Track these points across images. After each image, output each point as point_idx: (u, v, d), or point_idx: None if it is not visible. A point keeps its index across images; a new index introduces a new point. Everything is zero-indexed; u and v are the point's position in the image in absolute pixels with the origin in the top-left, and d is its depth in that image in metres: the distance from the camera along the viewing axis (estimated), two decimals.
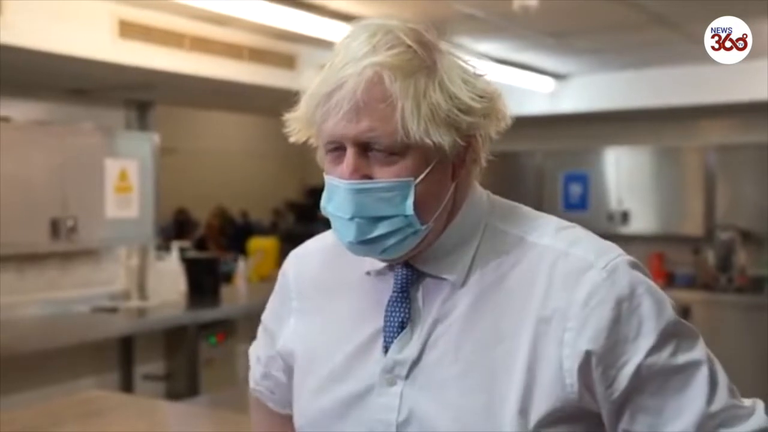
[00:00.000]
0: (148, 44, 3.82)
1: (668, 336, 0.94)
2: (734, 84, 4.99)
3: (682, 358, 0.94)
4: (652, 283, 0.97)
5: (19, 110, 4.28)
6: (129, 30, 3.72)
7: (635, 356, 0.93)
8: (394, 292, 1.03)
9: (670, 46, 4.84)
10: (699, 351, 0.96)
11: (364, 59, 0.93)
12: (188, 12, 3.86)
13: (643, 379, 0.93)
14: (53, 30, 3.44)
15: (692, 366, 0.94)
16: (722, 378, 0.96)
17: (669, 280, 5.90)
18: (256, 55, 4.34)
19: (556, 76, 5.94)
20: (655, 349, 0.93)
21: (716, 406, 0.93)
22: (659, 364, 0.93)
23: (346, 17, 3.82)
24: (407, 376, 0.99)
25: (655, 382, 0.93)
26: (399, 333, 1.01)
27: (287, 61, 4.46)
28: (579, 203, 6.29)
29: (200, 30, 4.04)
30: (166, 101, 5.42)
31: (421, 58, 0.94)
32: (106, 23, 3.65)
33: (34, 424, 2.38)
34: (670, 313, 0.96)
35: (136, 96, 4.91)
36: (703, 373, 0.94)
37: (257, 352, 1.25)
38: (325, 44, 4.18)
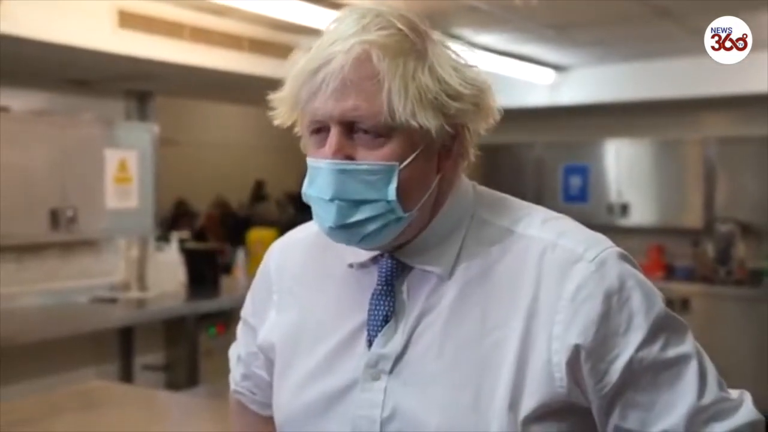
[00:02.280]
0: (148, 35, 3.80)
1: (658, 329, 0.93)
2: (735, 77, 4.98)
3: (672, 352, 0.93)
4: (641, 275, 0.96)
5: (19, 100, 4.27)
6: (129, 20, 3.71)
7: (626, 350, 0.91)
8: (378, 285, 1.00)
9: (670, 38, 4.84)
10: (688, 344, 0.95)
11: (353, 37, 0.91)
12: (188, 2, 3.85)
13: (633, 374, 0.92)
14: (53, 20, 3.43)
15: (682, 360, 0.94)
16: (711, 371, 0.95)
17: (668, 273, 5.89)
18: (256, 46, 4.33)
19: (557, 68, 5.92)
20: (645, 342, 0.92)
21: (706, 399, 0.93)
22: (650, 359, 0.92)
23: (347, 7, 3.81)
24: (391, 371, 0.97)
25: (646, 376, 0.92)
26: (383, 327, 0.99)
27: (287, 52, 4.42)
28: (579, 195, 6.29)
29: (200, 21, 4.03)
30: (165, 92, 5.41)
31: (411, 42, 0.92)
32: (105, 13, 3.63)
33: (33, 414, 2.37)
34: (660, 306, 0.95)
35: (136, 86, 4.89)
36: (693, 367, 0.93)
37: (237, 351, 1.22)
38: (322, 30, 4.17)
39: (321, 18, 3.80)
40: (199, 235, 7.15)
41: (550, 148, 6.58)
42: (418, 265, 0.99)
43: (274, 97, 0.98)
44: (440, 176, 0.97)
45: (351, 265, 1.04)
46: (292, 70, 0.95)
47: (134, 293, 4.66)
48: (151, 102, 5.07)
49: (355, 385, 0.98)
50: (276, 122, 1.00)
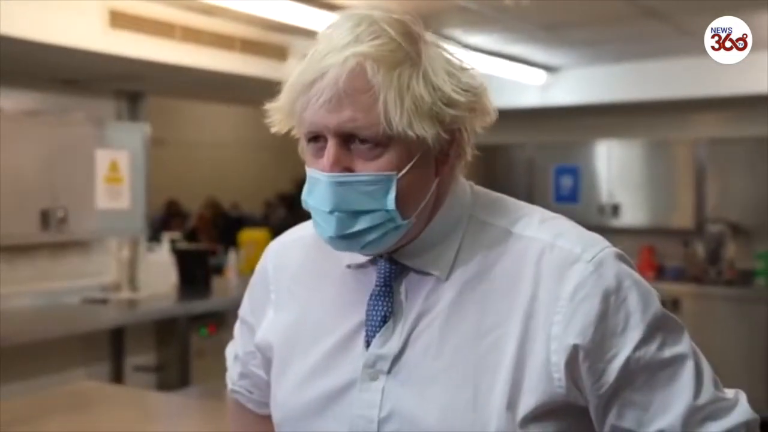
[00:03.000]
0: (139, 35, 3.82)
1: (655, 329, 0.94)
2: (725, 78, 5.01)
3: (669, 352, 0.94)
4: (638, 275, 0.97)
5: (10, 100, 4.27)
6: (120, 20, 3.72)
7: (623, 350, 0.92)
8: (376, 286, 1.01)
9: (661, 39, 4.87)
10: (685, 344, 0.96)
11: (347, 49, 0.91)
12: (179, 3, 3.86)
13: (630, 373, 0.93)
14: (44, 20, 3.44)
15: (678, 360, 0.94)
16: (707, 370, 0.96)
17: (659, 273, 5.93)
18: (248, 46, 4.34)
19: (548, 69, 5.95)
20: (642, 342, 0.93)
21: (702, 399, 0.93)
22: (646, 358, 0.93)
23: (338, 8, 3.82)
24: (389, 371, 0.98)
25: (643, 375, 0.93)
26: (381, 327, 0.99)
27: (278, 52, 4.46)
28: (570, 196, 6.32)
29: (191, 21, 4.04)
30: (157, 92, 5.42)
31: (405, 50, 0.92)
32: (97, 14, 3.64)
33: (24, 414, 2.38)
34: (656, 306, 0.96)
35: (127, 87, 4.90)
36: (689, 367, 0.94)
37: (235, 350, 1.23)
38: (316, 35, 4.18)
39: (312, 19, 3.81)
40: (191, 236, 7.15)
41: (541, 149, 6.61)
42: (417, 266, 1.00)
43: (270, 106, 0.99)
44: (438, 180, 0.98)
45: (349, 266, 1.05)
46: (288, 79, 0.96)
47: (125, 294, 4.65)
48: (142, 102, 5.06)
49: (353, 385, 0.99)
50: (273, 130, 1.00)
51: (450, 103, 0.93)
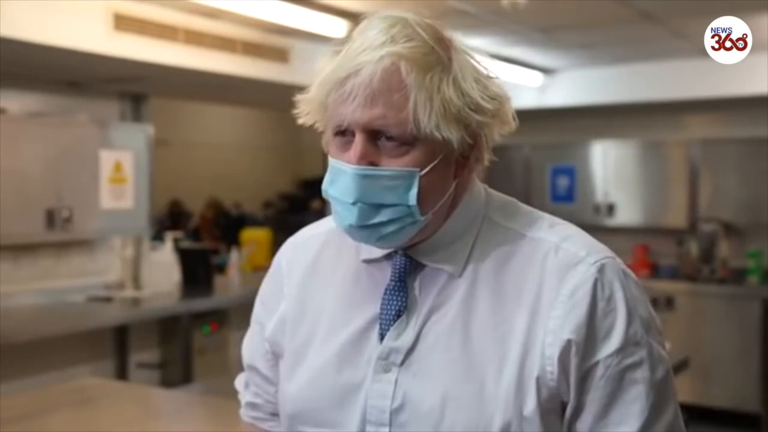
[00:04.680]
0: (143, 37, 3.84)
1: (633, 345, 0.96)
2: (718, 79, 5.05)
3: (640, 374, 0.95)
4: (635, 291, 0.99)
5: (15, 102, 4.31)
6: (123, 23, 3.74)
7: (598, 355, 0.95)
8: (391, 281, 1.03)
9: (655, 41, 4.90)
10: (659, 375, 0.97)
11: (382, 48, 0.93)
12: (182, 5, 3.89)
13: (598, 378, 0.95)
14: (48, 22, 3.47)
15: (645, 383, 0.96)
16: (670, 409, 0.97)
17: (653, 271, 5.94)
18: (250, 49, 4.37)
19: (545, 71, 5.99)
20: (617, 353, 0.95)
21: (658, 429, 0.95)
22: (617, 369, 0.95)
23: (339, 12, 3.89)
24: (402, 363, 1.00)
25: (609, 385, 0.95)
26: (395, 321, 1.02)
27: (280, 55, 4.50)
28: (566, 195, 6.33)
29: (194, 23, 4.07)
30: (160, 94, 5.44)
31: (437, 54, 0.96)
32: (101, 16, 3.67)
33: (28, 410, 2.38)
34: (637, 326, 0.97)
35: (131, 88, 4.92)
36: (653, 396, 0.96)
37: (244, 378, 1.25)
38: (317, 38, 4.23)
39: (312, 22, 3.87)
40: (194, 235, 7.21)
41: (537, 149, 6.60)
42: (431, 263, 1.03)
43: (301, 98, 1.02)
44: (456, 182, 1.01)
45: (364, 261, 1.07)
46: (319, 74, 0.98)
47: (129, 292, 4.70)
48: (145, 104, 5.09)
49: (366, 377, 1.02)
50: (299, 121, 1.03)
51: (477, 108, 0.96)
